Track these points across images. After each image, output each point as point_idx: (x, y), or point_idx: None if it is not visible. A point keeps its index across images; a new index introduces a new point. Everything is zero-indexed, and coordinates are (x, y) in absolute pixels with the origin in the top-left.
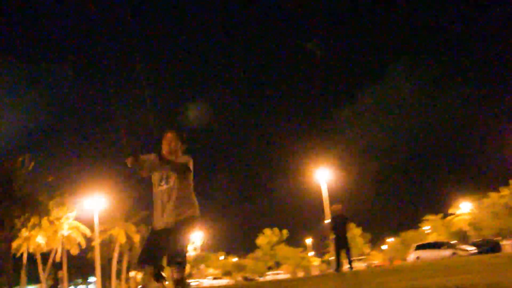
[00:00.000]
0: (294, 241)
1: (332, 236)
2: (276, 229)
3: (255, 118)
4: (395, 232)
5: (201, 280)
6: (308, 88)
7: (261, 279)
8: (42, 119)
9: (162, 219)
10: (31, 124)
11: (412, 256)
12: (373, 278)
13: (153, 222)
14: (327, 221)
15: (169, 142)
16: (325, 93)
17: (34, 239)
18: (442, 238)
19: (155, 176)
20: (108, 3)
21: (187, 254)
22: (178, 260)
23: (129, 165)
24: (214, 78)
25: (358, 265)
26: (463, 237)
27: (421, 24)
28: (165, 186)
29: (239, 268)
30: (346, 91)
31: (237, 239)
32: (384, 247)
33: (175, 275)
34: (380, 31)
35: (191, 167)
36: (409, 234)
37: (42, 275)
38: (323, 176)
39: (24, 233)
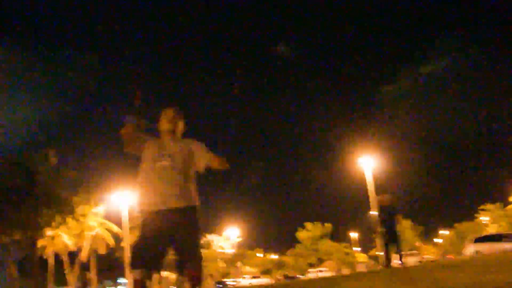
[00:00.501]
0: (337, 235)
1: (380, 229)
2: (318, 223)
3: (292, 103)
4: (449, 224)
5: (238, 280)
6: (349, 68)
7: (303, 277)
8: (66, 110)
9: (158, 198)
10: (54, 115)
11: (470, 249)
12: (427, 274)
13: (143, 202)
14: (374, 213)
15: (170, 120)
16: (368, 73)
17: (59, 238)
18: (503, 230)
19: (152, 151)
20: None
21: (201, 250)
22: (195, 262)
23: (124, 131)
24: (251, 60)
25: (409, 261)
26: None
27: None
28: (167, 163)
29: (279, 265)
30: (391, 71)
31: (275, 235)
32: (437, 240)
33: (193, 273)
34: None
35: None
36: (465, 225)
37: (70, 277)
38: (368, 164)
39: (49, 232)
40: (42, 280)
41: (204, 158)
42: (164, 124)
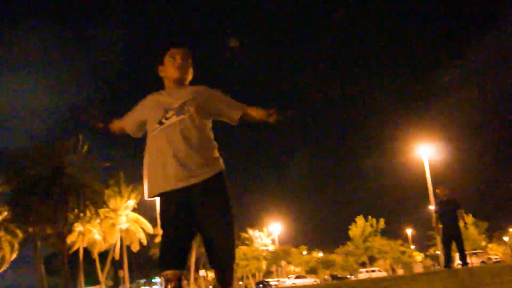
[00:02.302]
0: (391, 232)
1: (439, 226)
2: (370, 218)
3: (344, 88)
4: None
5: (282, 279)
6: (405, 49)
7: (353, 277)
8: (95, 96)
9: (170, 173)
10: (84, 101)
11: None
12: (493, 277)
13: (151, 182)
14: (432, 207)
15: (179, 66)
16: (425, 55)
17: (89, 234)
18: None
19: (154, 110)
20: None
21: (235, 243)
22: (227, 262)
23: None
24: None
25: (473, 261)
26: None
27: None
28: (175, 118)
29: (326, 264)
30: (451, 51)
31: (322, 231)
32: (505, 238)
33: (226, 275)
34: None
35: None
36: None
37: (101, 275)
38: (426, 154)
39: (79, 227)
40: (71, 278)
41: (236, 107)
42: (171, 72)
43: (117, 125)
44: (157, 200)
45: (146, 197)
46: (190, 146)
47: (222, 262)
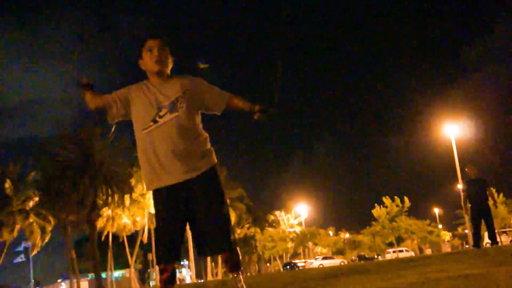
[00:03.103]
0: (418, 211)
1: (468, 205)
2: (396, 198)
3: (367, 67)
4: None
5: (309, 261)
6: (430, 27)
7: (381, 258)
8: (124, 83)
9: (166, 169)
10: (109, 85)
11: None
12: None
13: (148, 179)
14: (460, 186)
15: (156, 56)
16: (451, 32)
17: (118, 218)
18: None
19: (143, 105)
20: None
21: (232, 228)
22: (230, 239)
23: (92, 107)
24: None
25: (503, 240)
26: None
27: None
28: (169, 116)
29: (353, 245)
30: (478, 26)
31: (348, 212)
32: None
33: (232, 259)
34: None
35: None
36: None
37: (130, 259)
38: (453, 132)
39: (107, 212)
40: (101, 262)
41: (221, 96)
42: (150, 65)
43: (96, 99)
44: (151, 195)
45: (148, 189)
46: (187, 141)
47: (227, 241)
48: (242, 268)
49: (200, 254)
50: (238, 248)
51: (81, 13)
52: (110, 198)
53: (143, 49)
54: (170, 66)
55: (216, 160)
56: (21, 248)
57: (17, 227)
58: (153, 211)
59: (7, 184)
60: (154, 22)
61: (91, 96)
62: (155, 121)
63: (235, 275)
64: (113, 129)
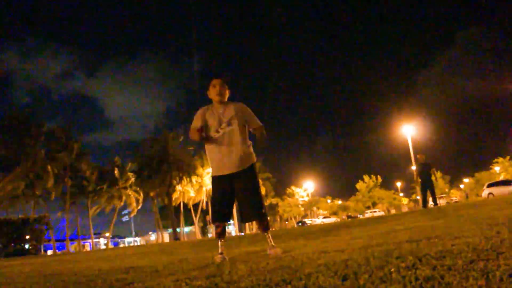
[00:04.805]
0: (387, 184)
1: (419, 180)
2: (372, 176)
3: (355, 85)
4: (470, 173)
5: (314, 219)
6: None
7: (361, 216)
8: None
9: (225, 164)
10: (183, 105)
11: (485, 192)
12: (454, 211)
13: (214, 169)
14: (414, 167)
15: (218, 92)
16: (412, 59)
17: (187, 192)
18: (510, 177)
19: (212, 121)
20: None
21: (264, 202)
22: (262, 212)
23: (198, 140)
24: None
25: (440, 202)
26: None
27: None
28: (227, 129)
29: (343, 208)
30: (421, 55)
31: (340, 186)
32: (461, 186)
33: (263, 224)
34: None
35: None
36: (483, 174)
37: (195, 219)
38: (409, 130)
39: (179, 188)
40: (176, 221)
41: (254, 124)
42: (214, 96)
43: (200, 134)
44: (210, 177)
45: (212, 175)
46: (238, 146)
47: (260, 213)
48: (270, 229)
49: (242, 221)
50: (267, 217)
51: (159, 56)
52: (180, 179)
53: (210, 85)
54: (227, 96)
55: (255, 159)
56: (126, 212)
57: (123, 198)
58: (209, 187)
59: (116, 171)
60: (218, 64)
61: (199, 135)
62: (217, 131)
63: (265, 234)
64: (181, 134)
